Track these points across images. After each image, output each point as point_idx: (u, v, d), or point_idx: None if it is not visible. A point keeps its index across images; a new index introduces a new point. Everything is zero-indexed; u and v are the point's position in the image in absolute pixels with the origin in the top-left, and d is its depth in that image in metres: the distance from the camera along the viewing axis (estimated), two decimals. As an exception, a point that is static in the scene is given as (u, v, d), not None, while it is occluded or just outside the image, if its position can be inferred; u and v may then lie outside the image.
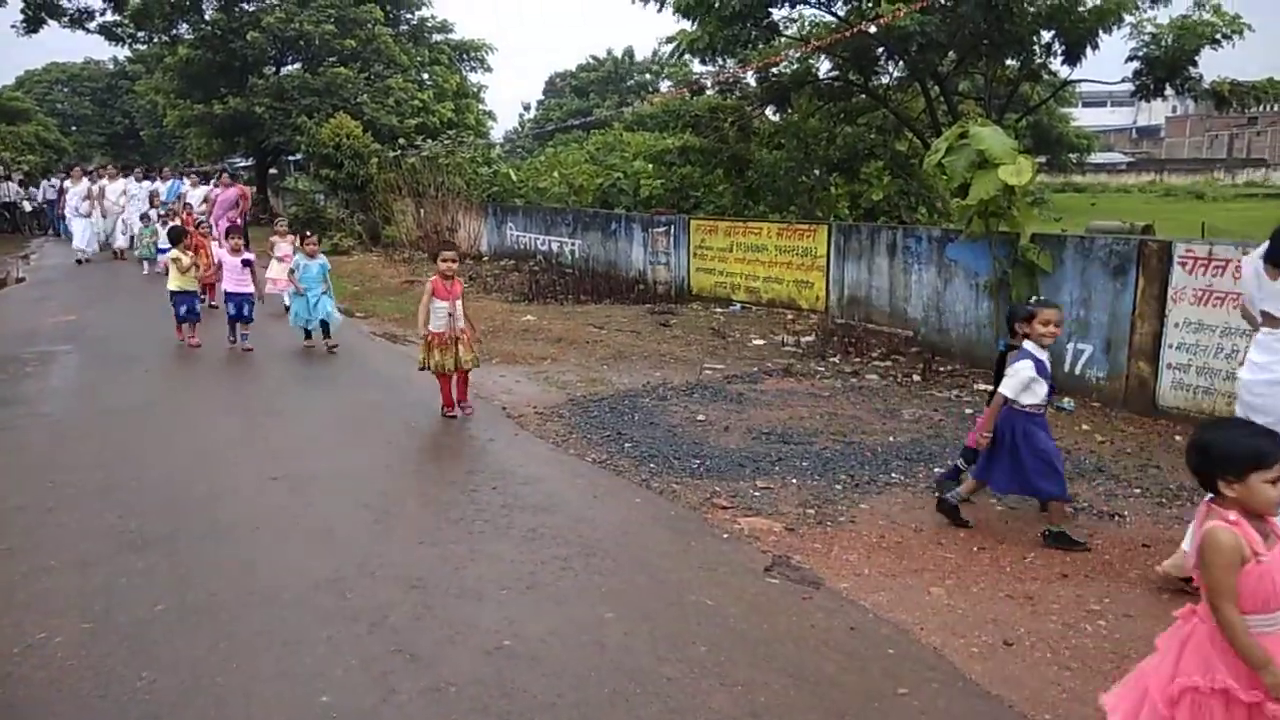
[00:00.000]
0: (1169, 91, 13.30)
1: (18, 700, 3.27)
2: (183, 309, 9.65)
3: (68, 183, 20.12)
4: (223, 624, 3.80)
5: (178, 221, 16.27)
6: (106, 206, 18.75)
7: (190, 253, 10.11)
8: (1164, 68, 12.41)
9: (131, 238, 17.51)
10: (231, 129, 28.50)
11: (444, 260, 7.03)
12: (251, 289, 9.76)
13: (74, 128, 52.38)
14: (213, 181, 19.37)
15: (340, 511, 5.10)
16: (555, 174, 20.82)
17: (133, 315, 12.03)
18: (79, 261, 17.71)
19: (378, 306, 12.61)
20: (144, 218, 16.74)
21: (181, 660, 3.51)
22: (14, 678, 3.41)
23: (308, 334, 9.68)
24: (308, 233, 10.32)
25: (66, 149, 44.99)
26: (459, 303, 6.93)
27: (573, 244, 16.00)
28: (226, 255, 9.92)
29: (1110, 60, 13.35)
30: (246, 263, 9.79)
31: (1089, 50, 13.13)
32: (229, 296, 9.58)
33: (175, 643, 3.65)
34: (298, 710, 3.19)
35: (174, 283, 9.61)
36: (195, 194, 18.12)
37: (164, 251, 15.29)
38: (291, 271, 9.49)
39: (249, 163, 29.73)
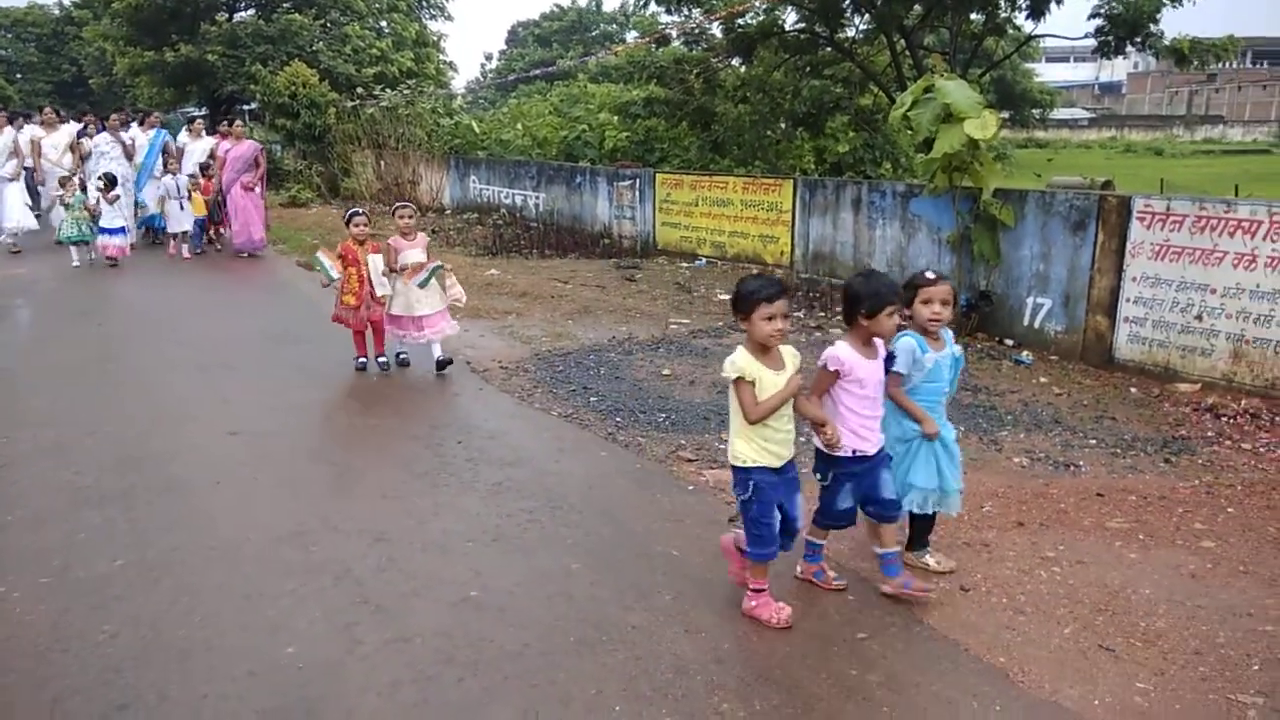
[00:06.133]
0: (1130, 48, 13.39)
1: (-25, 656, 3.23)
2: None
3: None
4: (184, 578, 3.77)
5: (186, 188, 12.45)
6: (44, 167, 13.45)
7: (351, 263, 6.81)
8: (1126, 26, 12.48)
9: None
10: (183, 77, 27.66)
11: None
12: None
13: (19, 75, 50.66)
14: (220, 132, 14.13)
15: (301, 466, 5.06)
16: (519, 126, 20.55)
17: (85, 268, 11.71)
18: (11, 250, 12.84)
19: (338, 260, 12.40)
20: (64, 183, 12.10)
21: (142, 614, 3.48)
22: (-30, 634, 3.37)
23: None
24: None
25: (12, 97, 43.56)
26: None
27: (537, 197, 15.83)
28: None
29: (1073, 15, 13.40)
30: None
31: (1053, 5, 13.16)
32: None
33: (136, 597, 3.61)
34: (262, 662, 3.18)
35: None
36: (197, 147, 13.89)
37: (107, 231, 11.45)
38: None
39: (203, 112, 28.93)
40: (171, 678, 3.09)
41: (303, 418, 5.92)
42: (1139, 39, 12.73)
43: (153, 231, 13.85)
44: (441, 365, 6.92)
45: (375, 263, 6.78)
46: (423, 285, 6.76)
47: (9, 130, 13.36)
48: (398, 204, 7.21)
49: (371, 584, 3.73)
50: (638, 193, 13.28)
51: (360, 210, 7.01)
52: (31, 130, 13.87)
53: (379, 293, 6.80)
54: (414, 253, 6.85)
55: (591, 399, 6.34)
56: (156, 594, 3.64)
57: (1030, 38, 16.01)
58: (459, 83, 38.30)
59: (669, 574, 3.88)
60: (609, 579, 3.83)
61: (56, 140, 13.54)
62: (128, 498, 4.58)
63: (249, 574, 3.81)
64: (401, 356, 7.16)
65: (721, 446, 5.43)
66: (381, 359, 7.04)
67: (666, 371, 7.06)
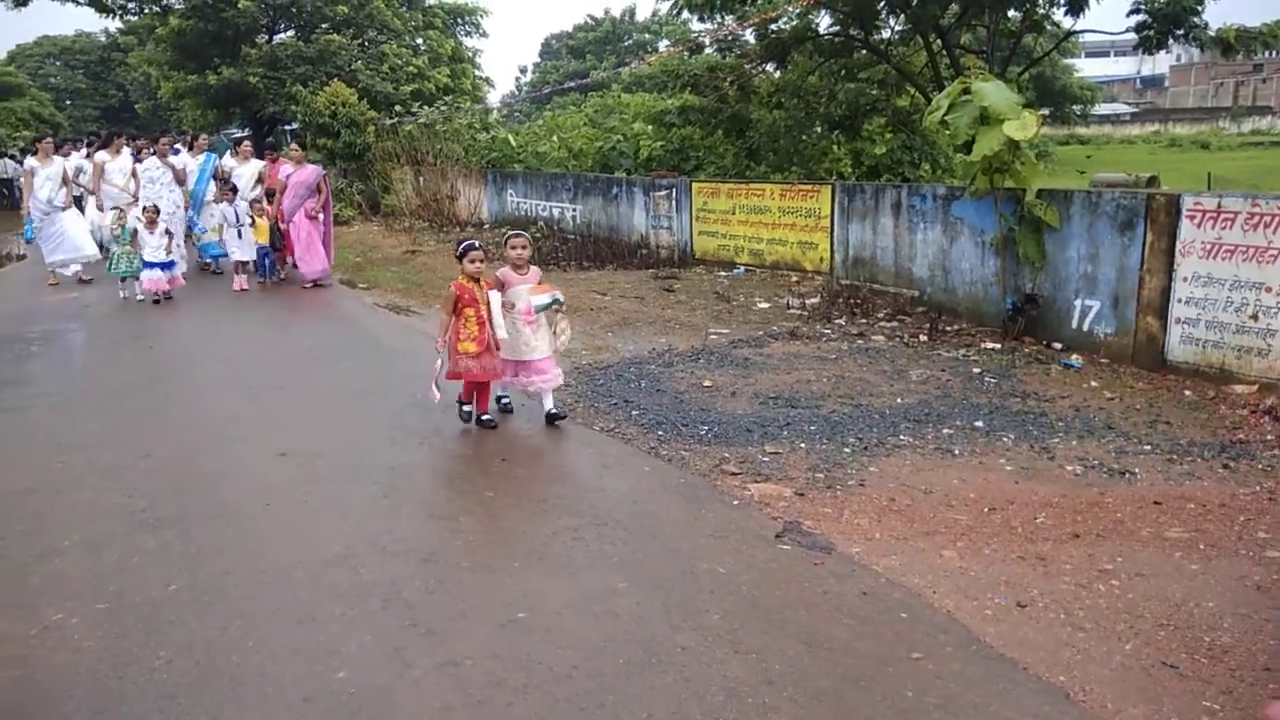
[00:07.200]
0: (1172, 41, 13.12)
1: (36, 683, 3.28)
2: None
3: (32, 160, 12.88)
4: (236, 603, 3.81)
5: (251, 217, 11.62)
6: (108, 192, 12.75)
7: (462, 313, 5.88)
8: (1167, 19, 12.24)
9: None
10: (226, 99, 28.32)
11: None
12: None
13: (68, 102, 52.09)
14: (270, 156, 13.37)
15: (349, 487, 5.10)
16: (554, 138, 20.65)
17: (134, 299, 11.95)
18: (81, 279, 12.55)
19: (380, 277, 12.55)
20: (117, 212, 11.35)
21: (196, 640, 3.52)
22: (32, 660, 3.43)
23: None
24: None
25: (61, 124, 44.75)
26: None
27: (574, 209, 15.89)
28: None
29: (1113, 9, 13.16)
30: None
31: (1091, 0, 12.95)
32: None
33: (189, 622, 3.66)
34: (314, 688, 3.20)
35: None
36: (245, 171, 12.92)
37: (153, 266, 10.66)
38: None
39: (245, 133, 29.51)
40: (226, 705, 3.12)
41: (350, 438, 5.97)
42: (1182, 31, 12.48)
43: (214, 261, 13.24)
44: (554, 418, 6.05)
45: (497, 300, 5.88)
46: (541, 310, 6.04)
47: (58, 159, 12.93)
48: (510, 232, 6.29)
49: (420, 606, 3.74)
50: (674, 202, 13.27)
51: (476, 242, 6.00)
52: (78, 158, 13.92)
53: (499, 334, 5.86)
54: (527, 289, 6.07)
55: (633, 412, 6.32)
56: (210, 619, 3.68)
57: (1069, 34, 15.76)
58: (494, 97, 38.65)
59: (716, 592, 3.84)
60: (656, 598, 3.80)
61: (123, 165, 12.89)
62: (180, 521, 4.65)
63: (300, 598, 3.84)
64: (504, 402, 6.36)
65: (765, 459, 5.39)
66: (486, 416, 6.08)
67: (708, 383, 7.03)
